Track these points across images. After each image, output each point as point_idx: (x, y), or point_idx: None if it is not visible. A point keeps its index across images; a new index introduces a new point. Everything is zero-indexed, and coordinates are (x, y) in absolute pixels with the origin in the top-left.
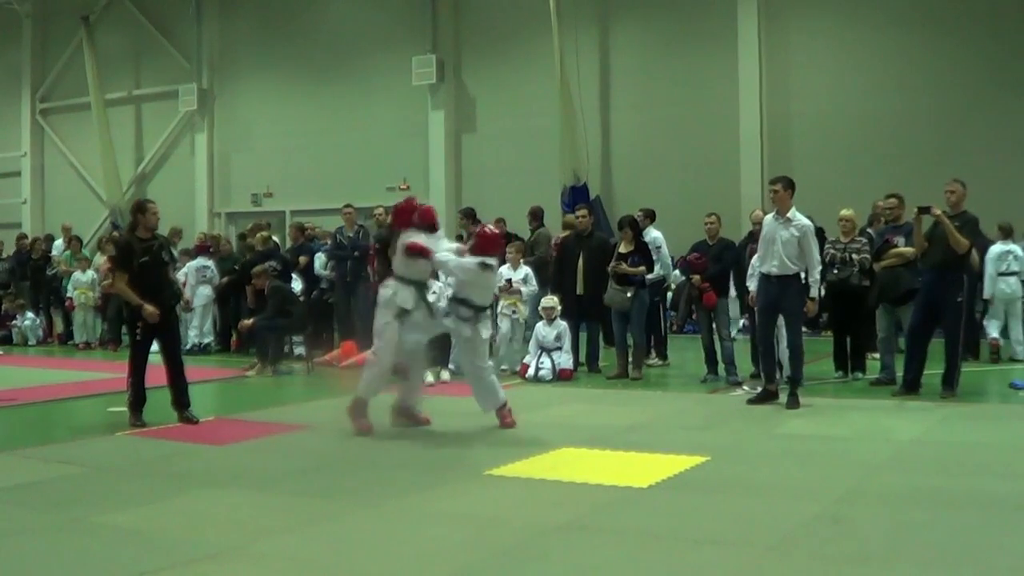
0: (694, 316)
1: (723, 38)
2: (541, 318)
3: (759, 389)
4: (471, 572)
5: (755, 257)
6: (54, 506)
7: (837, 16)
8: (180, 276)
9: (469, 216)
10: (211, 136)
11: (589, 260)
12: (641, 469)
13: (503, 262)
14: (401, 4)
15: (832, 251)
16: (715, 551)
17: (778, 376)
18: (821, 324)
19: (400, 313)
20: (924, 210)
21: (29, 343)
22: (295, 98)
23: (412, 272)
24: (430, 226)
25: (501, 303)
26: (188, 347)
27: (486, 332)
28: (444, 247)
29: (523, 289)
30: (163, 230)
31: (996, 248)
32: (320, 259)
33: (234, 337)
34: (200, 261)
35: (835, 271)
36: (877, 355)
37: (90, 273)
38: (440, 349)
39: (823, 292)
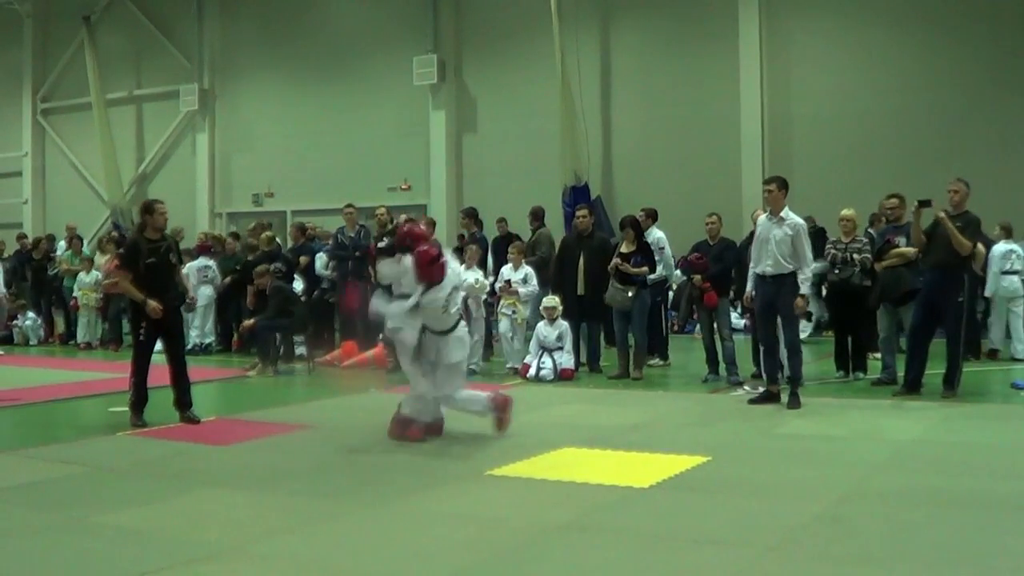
0: (695, 316)
1: (724, 38)
2: (542, 318)
3: (760, 389)
4: (472, 572)
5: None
6: (55, 506)
7: (838, 16)
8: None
9: (471, 216)
10: (212, 136)
11: (590, 260)
12: (642, 469)
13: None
14: (402, 4)
15: (833, 251)
16: (716, 551)
17: (780, 376)
18: (822, 324)
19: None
20: (924, 203)
21: (30, 343)
22: (296, 98)
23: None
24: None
25: (501, 303)
26: (190, 347)
27: (458, 354)
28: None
29: (521, 290)
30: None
31: (1000, 247)
32: (321, 259)
33: (235, 337)
34: (201, 261)
35: (836, 271)
36: (878, 355)
37: (94, 274)
38: None
39: (824, 292)
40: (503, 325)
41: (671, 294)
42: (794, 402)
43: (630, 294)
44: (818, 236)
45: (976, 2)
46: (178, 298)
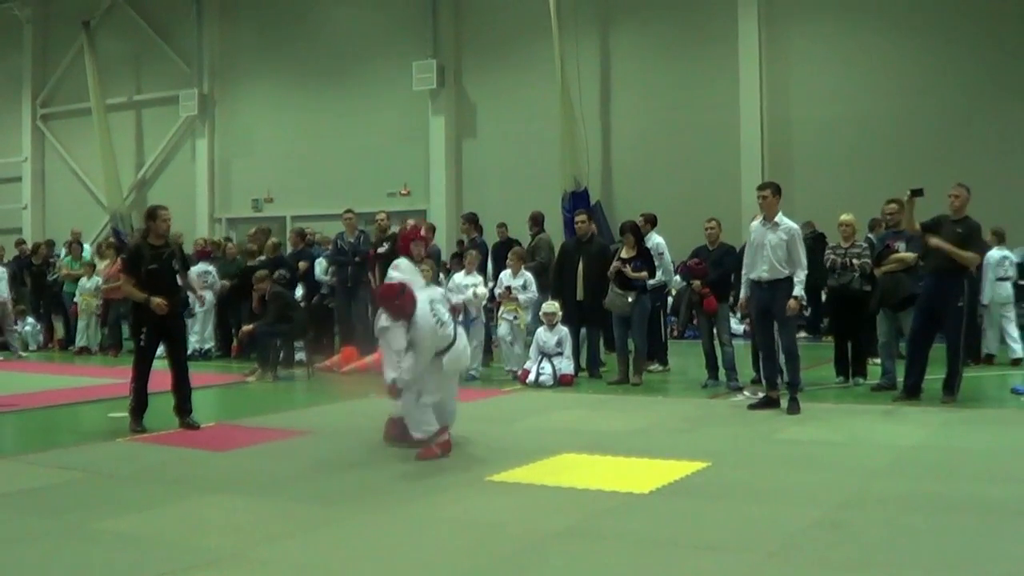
0: (695, 321)
1: (723, 43)
2: (542, 323)
3: (760, 394)
4: None
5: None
6: (54, 512)
7: (837, 21)
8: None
9: (471, 221)
10: (212, 141)
11: (589, 266)
12: (642, 475)
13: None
14: (402, 9)
15: (833, 256)
16: (716, 557)
17: (779, 382)
18: (820, 329)
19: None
20: (916, 192)
21: (29, 348)
22: (296, 103)
23: None
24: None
25: (501, 308)
26: (189, 353)
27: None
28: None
29: (521, 296)
30: None
31: (994, 254)
32: (321, 264)
33: (235, 343)
34: (201, 266)
35: (836, 276)
36: (878, 360)
37: (95, 279)
38: None
39: (824, 297)
40: (503, 329)
41: (670, 299)
42: (794, 407)
43: (630, 299)
44: (818, 241)
45: (976, 5)
46: (181, 303)
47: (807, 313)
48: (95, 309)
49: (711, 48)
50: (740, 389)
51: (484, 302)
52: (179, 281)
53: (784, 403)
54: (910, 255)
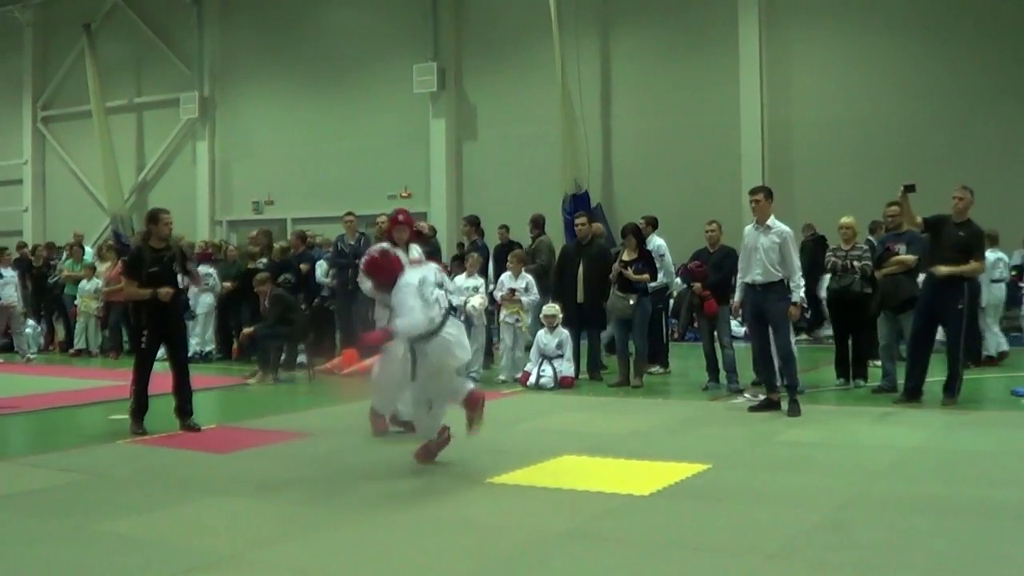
0: (695, 324)
1: (724, 46)
2: (542, 326)
3: (760, 397)
4: None
5: None
6: (55, 514)
7: (838, 23)
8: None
9: (473, 223)
10: (212, 144)
11: (589, 268)
12: (642, 477)
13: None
14: (402, 12)
15: (833, 259)
16: (716, 559)
17: (779, 384)
18: (820, 334)
19: None
20: (909, 188)
21: (30, 351)
22: (296, 106)
23: None
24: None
25: (503, 312)
26: (189, 355)
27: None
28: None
29: (524, 298)
30: None
31: (989, 256)
32: (322, 267)
33: (235, 345)
34: (202, 269)
35: (837, 279)
36: (879, 362)
37: (95, 281)
38: None
39: (825, 299)
40: (506, 337)
41: (671, 302)
42: (794, 409)
43: (631, 302)
44: (818, 244)
45: (977, 8)
46: (181, 306)
47: (807, 315)
48: (94, 311)
49: (711, 50)
50: (741, 391)
51: (484, 307)
52: (180, 283)
53: (784, 405)
54: (911, 257)
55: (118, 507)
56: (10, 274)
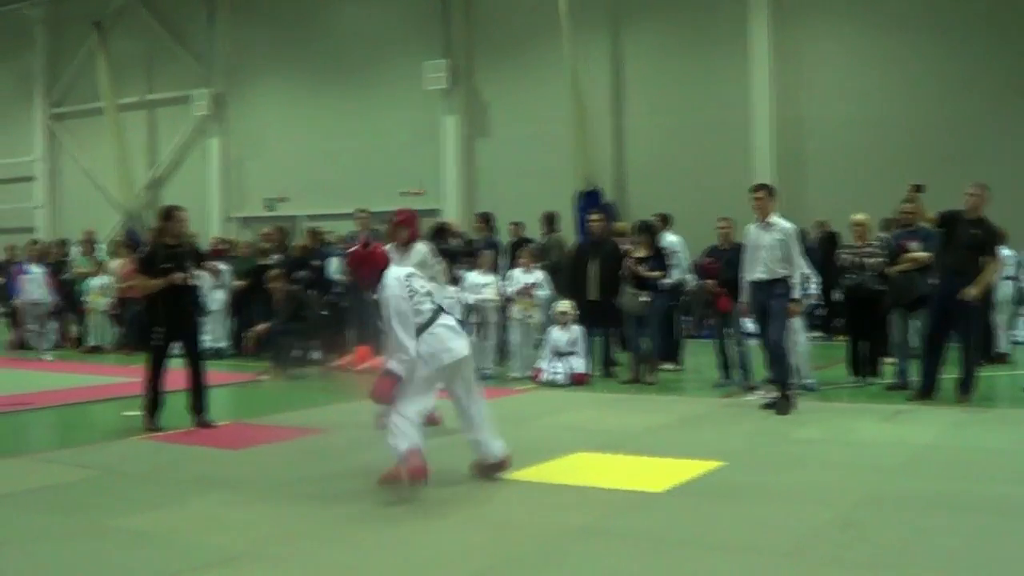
0: (708, 321)
1: (734, 43)
2: (555, 323)
3: (773, 394)
4: None
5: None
6: (69, 510)
7: (848, 21)
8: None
9: (485, 220)
10: (224, 141)
11: (602, 265)
12: (656, 474)
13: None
14: (413, 9)
15: (846, 256)
16: (730, 556)
17: (794, 380)
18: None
19: None
20: (918, 188)
21: (48, 350)
22: (308, 103)
23: None
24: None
25: (514, 308)
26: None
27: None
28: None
29: (538, 293)
30: None
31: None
32: (334, 264)
33: (247, 341)
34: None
35: (849, 276)
36: (892, 360)
37: (103, 278)
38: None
39: (839, 296)
40: (514, 335)
41: (684, 299)
42: (783, 406)
43: (644, 299)
44: (830, 241)
45: (990, 6)
46: (195, 303)
47: (821, 312)
48: (103, 307)
49: (722, 47)
50: (753, 388)
51: (497, 299)
52: (193, 280)
53: (798, 403)
54: (924, 254)
55: (132, 503)
56: (37, 270)
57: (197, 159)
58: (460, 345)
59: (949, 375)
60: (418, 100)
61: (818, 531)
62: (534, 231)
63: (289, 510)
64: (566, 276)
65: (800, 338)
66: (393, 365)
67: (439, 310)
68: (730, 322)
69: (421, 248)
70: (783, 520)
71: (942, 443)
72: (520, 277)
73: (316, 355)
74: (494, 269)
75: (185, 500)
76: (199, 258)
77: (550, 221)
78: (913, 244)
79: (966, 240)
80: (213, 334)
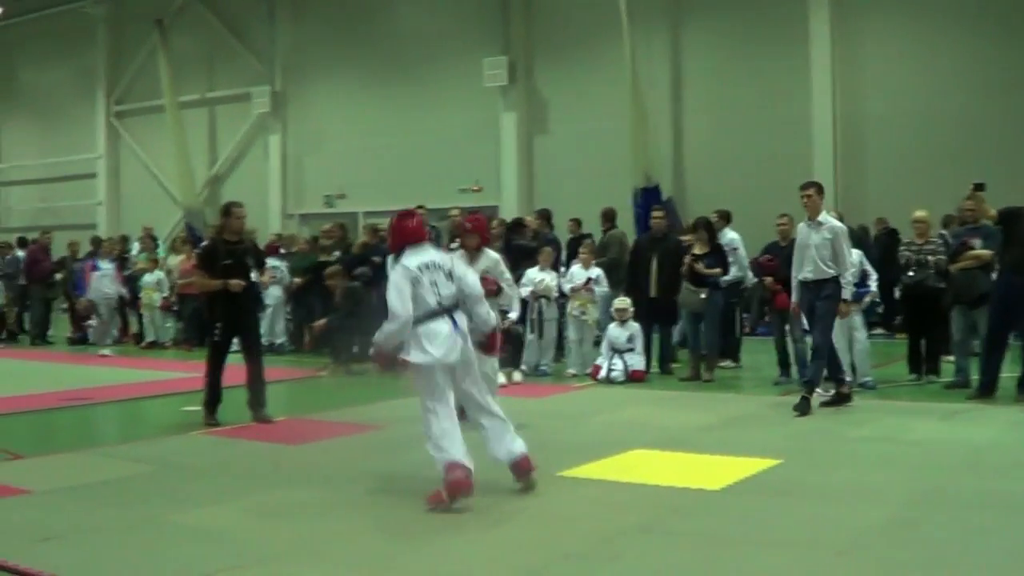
0: (767, 318)
1: (795, 39)
2: (613, 319)
3: (831, 392)
4: (542, 572)
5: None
6: (128, 504)
7: (909, 16)
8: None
9: (544, 217)
10: (284, 138)
11: (663, 262)
12: (713, 471)
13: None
14: (472, 6)
15: (907, 253)
16: (786, 554)
17: (850, 378)
18: (895, 325)
19: None
20: (979, 187)
21: (106, 346)
22: (367, 100)
23: None
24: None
25: (570, 304)
26: None
27: (415, 355)
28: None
29: (596, 288)
30: None
31: None
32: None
33: (306, 337)
34: (270, 262)
35: (911, 273)
36: (952, 358)
37: (158, 273)
38: (513, 350)
39: (898, 294)
40: (572, 331)
41: (743, 296)
42: (804, 406)
43: (703, 296)
44: (890, 237)
45: None
46: (254, 299)
47: (879, 310)
48: (158, 303)
49: (782, 43)
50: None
51: (555, 295)
52: (253, 277)
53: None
54: (987, 252)
55: (190, 498)
56: (108, 266)
57: (257, 156)
58: (436, 349)
59: (1010, 373)
60: (477, 97)
61: (873, 529)
62: (593, 227)
63: (345, 506)
64: (628, 272)
65: (860, 336)
66: (378, 334)
67: (445, 311)
68: (789, 319)
69: (491, 255)
70: (838, 518)
71: (1001, 442)
72: (578, 273)
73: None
74: (555, 266)
75: (242, 495)
76: (258, 255)
77: (609, 217)
78: (976, 241)
79: None
80: (272, 330)
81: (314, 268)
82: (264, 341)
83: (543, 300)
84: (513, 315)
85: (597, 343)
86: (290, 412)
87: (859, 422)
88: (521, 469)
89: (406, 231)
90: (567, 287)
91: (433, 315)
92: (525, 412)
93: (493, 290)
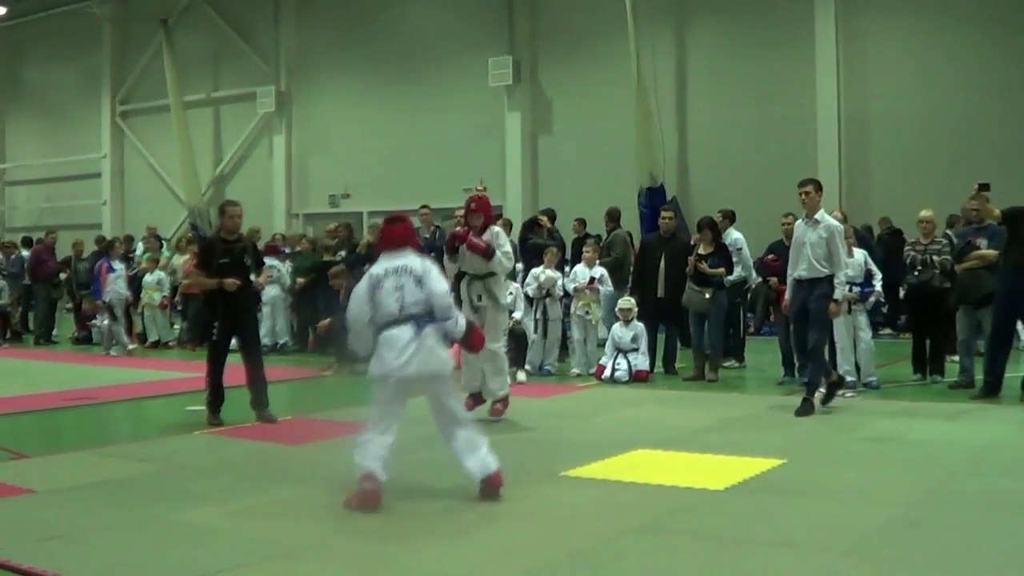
0: (771, 318)
1: (800, 38)
2: (617, 319)
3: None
4: (546, 572)
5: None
6: (132, 503)
7: (915, 16)
8: None
9: (548, 216)
10: (289, 138)
11: (671, 262)
12: (717, 471)
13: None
14: (477, 6)
15: (912, 253)
16: (791, 555)
17: (854, 378)
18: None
19: None
20: (984, 187)
21: (115, 348)
22: (372, 100)
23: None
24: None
25: (574, 304)
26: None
27: (373, 366)
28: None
29: (601, 288)
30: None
31: None
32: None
33: (311, 337)
34: (268, 261)
35: (916, 273)
36: (956, 358)
37: (158, 273)
38: (517, 349)
39: (903, 294)
40: (576, 332)
41: (749, 295)
42: (806, 408)
43: (707, 296)
44: (894, 237)
45: None
46: (253, 299)
47: (884, 309)
48: (157, 302)
49: (788, 43)
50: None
51: (560, 293)
52: (252, 276)
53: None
54: (992, 252)
55: (195, 497)
56: (121, 267)
57: (262, 156)
58: (402, 360)
59: (1014, 373)
60: (482, 96)
61: (879, 530)
62: (598, 227)
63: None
64: (634, 271)
65: (865, 336)
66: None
67: (409, 318)
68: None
69: (494, 229)
70: (843, 518)
71: (1005, 442)
72: (582, 272)
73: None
74: (560, 266)
75: (246, 495)
76: (256, 255)
77: (613, 217)
78: (981, 241)
79: None
80: (274, 330)
81: (318, 268)
82: (268, 341)
83: (547, 300)
84: (517, 314)
85: (601, 345)
86: (294, 412)
87: (863, 422)
88: (492, 485)
89: (386, 236)
90: (571, 287)
91: (394, 322)
92: (529, 412)
93: (482, 247)
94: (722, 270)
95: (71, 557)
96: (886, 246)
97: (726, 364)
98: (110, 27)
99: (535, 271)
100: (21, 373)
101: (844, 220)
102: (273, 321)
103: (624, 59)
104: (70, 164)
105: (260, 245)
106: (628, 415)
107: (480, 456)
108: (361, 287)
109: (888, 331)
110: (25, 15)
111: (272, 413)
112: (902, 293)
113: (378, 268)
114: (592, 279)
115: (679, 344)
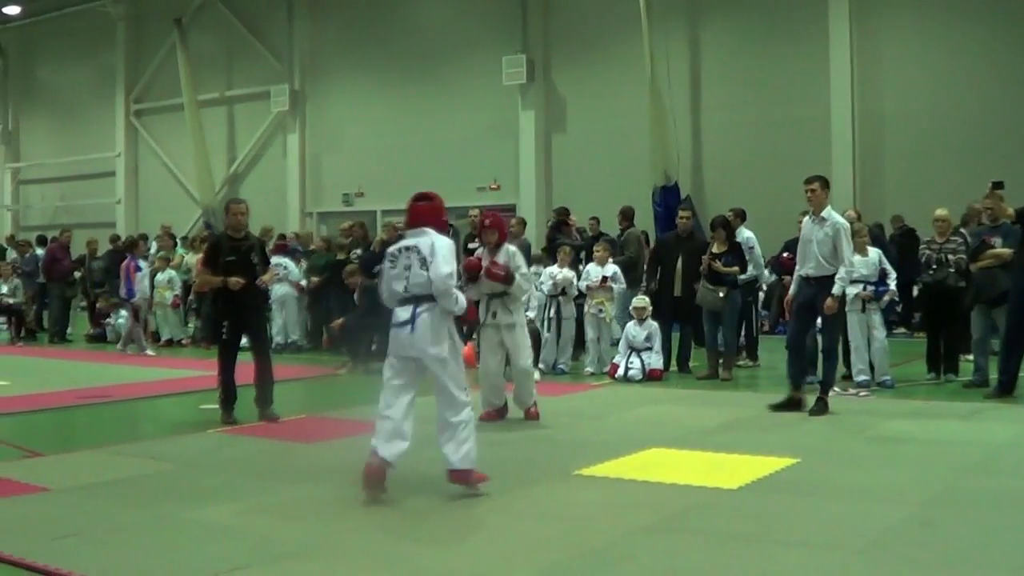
0: (786, 316)
1: (814, 37)
2: (631, 318)
3: (849, 391)
4: (558, 571)
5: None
6: (146, 502)
7: (929, 14)
8: None
9: (563, 215)
10: (303, 136)
11: (688, 261)
12: (730, 470)
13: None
14: (491, 5)
15: (927, 252)
16: (803, 554)
17: (867, 377)
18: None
19: None
20: (997, 185)
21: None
22: (386, 99)
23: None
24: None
25: (588, 302)
26: (273, 346)
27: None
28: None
29: (613, 285)
30: (254, 229)
31: None
32: None
33: (325, 336)
34: (276, 259)
35: (931, 272)
36: (970, 357)
37: (169, 272)
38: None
39: (916, 292)
40: (590, 330)
41: (762, 294)
42: (820, 407)
43: (721, 294)
44: (907, 236)
45: None
46: (261, 297)
47: (898, 308)
48: (169, 301)
49: (801, 41)
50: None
51: (575, 291)
52: (259, 274)
53: (811, 402)
54: (1007, 251)
55: (207, 495)
56: (146, 266)
57: (275, 155)
58: (400, 341)
59: None
60: (496, 95)
61: (892, 529)
62: (612, 226)
63: (362, 505)
64: (649, 270)
65: (879, 335)
66: None
67: (412, 298)
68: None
69: (510, 249)
70: (857, 517)
71: (1019, 442)
72: (594, 271)
73: None
74: (574, 264)
75: (259, 493)
76: (264, 252)
77: (627, 216)
78: (996, 240)
79: None
80: (281, 328)
81: (332, 267)
82: (280, 339)
83: (561, 298)
84: (531, 313)
85: (614, 344)
86: (308, 410)
87: (877, 421)
88: (461, 479)
89: (408, 213)
90: (583, 285)
91: (402, 301)
92: (543, 410)
93: (501, 275)
94: (736, 268)
95: (84, 555)
96: (899, 245)
97: (740, 363)
98: (124, 26)
99: (551, 270)
100: (35, 371)
101: (858, 219)
102: (284, 319)
103: (638, 58)
104: (84, 163)
105: (270, 244)
106: (641, 414)
107: (463, 446)
108: (384, 266)
109: (902, 330)
110: (39, 14)
111: (275, 411)
112: (916, 292)
113: (394, 247)
114: (604, 277)
115: (693, 343)
